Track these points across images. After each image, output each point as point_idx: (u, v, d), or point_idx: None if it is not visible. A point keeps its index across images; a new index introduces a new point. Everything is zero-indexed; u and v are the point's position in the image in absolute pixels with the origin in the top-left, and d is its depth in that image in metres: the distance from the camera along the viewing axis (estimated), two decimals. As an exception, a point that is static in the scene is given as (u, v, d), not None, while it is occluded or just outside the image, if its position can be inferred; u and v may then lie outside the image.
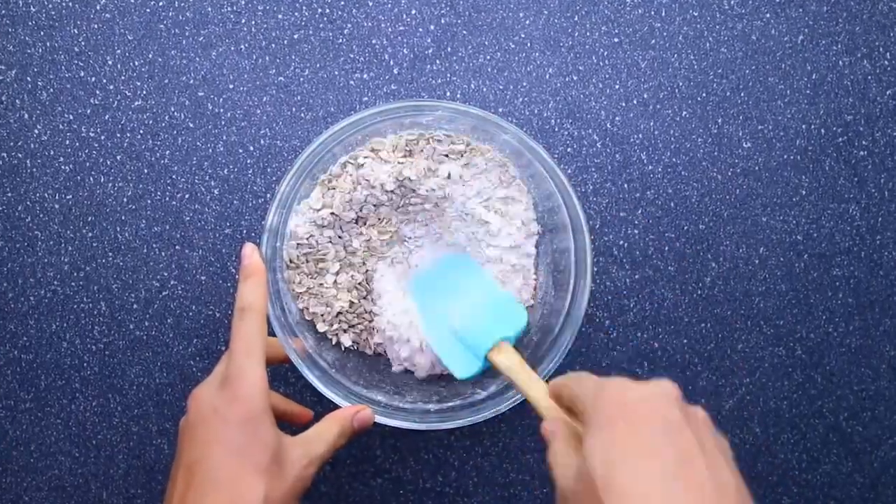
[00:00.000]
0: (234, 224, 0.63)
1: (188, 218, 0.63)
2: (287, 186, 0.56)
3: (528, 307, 0.61)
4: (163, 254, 0.63)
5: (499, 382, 0.59)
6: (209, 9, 0.63)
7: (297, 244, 0.59)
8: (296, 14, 0.64)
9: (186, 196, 0.63)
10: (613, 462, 0.36)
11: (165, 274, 0.63)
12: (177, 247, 0.63)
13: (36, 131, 0.63)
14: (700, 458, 0.36)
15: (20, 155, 0.63)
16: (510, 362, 0.54)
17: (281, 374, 0.63)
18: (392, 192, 0.59)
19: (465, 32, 0.64)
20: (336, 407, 0.55)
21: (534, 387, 0.51)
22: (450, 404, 0.59)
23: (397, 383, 0.61)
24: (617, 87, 0.64)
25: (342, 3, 0.64)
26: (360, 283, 0.60)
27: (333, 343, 0.61)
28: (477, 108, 0.56)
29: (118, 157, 0.63)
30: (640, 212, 0.64)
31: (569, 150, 0.64)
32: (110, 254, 0.63)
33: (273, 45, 0.64)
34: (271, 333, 0.55)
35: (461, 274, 0.61)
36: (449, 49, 0.64)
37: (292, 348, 0.56)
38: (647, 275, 0.64)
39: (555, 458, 0.41)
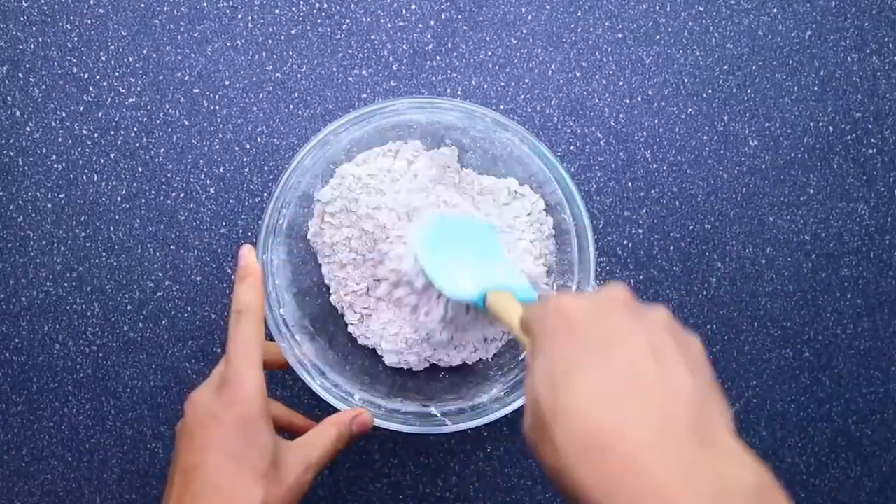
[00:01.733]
0: (230, 223, 0.62)
1: (183, 217, 0.62)
2: (284, 185, 0.55)
3: None
4: (157, 254, 0.62)
5: (501, 385, 0.58)
6: (205, 4, 0.62)
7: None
8: (293, 9, 0.62)
9: (182, 195, 0.62)
10: (556, 383, 0.33)
11: (160, 274, 0.62)
12: (172, 247, 0.62)
13: (28, 129, 0.62)
14: (649, 363, 0.33)
15: (12, 153, 0.62)
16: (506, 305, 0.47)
17: (278, 377, 0.62)
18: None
19: (465, 28, 0.63)
20: (335, 410, 0.53)
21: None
22: (451, 407, 0.58)
23: (397, 386, 0.60)
24: (621, 83, 0.63)
25: (340, -3, 0.63)
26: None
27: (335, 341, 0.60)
28: (479, 106, 0.55)
29: (112, 155, 0.62)
30: (644, 211, 0.63)
31: (571, 147, 0.63)
32: (104, 254, 0.62)
33: (270, 41, 0.62)
34: (269, 337, 0.54)
35: (476, 236, 0.56)
36: (449, 45, 0.63)
37: (291, 352, 0.55)
38: (651, 275, 0.63)
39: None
